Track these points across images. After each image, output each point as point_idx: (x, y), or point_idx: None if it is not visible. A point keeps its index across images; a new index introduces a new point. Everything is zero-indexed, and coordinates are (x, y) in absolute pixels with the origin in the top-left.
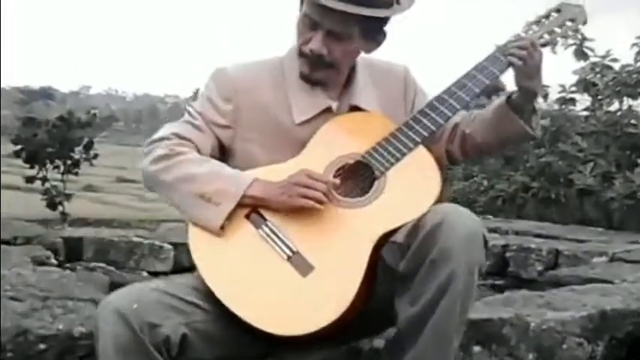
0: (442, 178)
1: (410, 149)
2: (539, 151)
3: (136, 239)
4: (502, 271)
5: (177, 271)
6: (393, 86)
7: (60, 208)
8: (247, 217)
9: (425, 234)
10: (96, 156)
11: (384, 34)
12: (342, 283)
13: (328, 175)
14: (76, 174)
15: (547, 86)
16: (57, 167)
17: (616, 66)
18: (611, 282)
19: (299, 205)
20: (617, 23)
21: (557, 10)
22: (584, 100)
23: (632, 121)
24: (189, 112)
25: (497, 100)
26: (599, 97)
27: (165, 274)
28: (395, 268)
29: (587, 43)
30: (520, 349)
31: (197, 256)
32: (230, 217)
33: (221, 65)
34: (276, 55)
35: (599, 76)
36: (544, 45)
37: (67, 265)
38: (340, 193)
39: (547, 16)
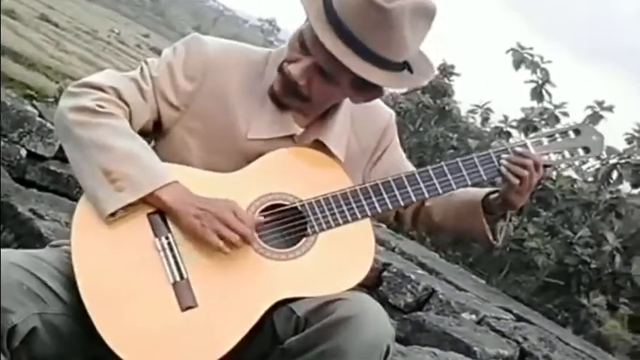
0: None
1: (355, 219)
2: None
3: (29, 110)
4: (374, 287)
5: (57, 159)
6: (370, 132)
7: None
8: (149, 216)
9: (328, 322)
10: None
11: (380, 92)
12: (218, 336)
13: (257, 209)
14: None
15: (491, 111)
16: None
17: (564, 120)
18: (472, 352)
19: (208, 241)
20: (588, 76)
21: (577, 132)
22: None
23: (553, 176)
24: (141, 70)
25: (474, 192)
26: None
27: (44, 159)
28: (280, 336)
29: (547, 87)
30: None
31: (76, 241)
32: (130, 209)
33: (201, 35)
34: (269, 50)
35: (543, 122)
36: (546, 166)
37: None
38: (260, 236)
39: (563, 133)
